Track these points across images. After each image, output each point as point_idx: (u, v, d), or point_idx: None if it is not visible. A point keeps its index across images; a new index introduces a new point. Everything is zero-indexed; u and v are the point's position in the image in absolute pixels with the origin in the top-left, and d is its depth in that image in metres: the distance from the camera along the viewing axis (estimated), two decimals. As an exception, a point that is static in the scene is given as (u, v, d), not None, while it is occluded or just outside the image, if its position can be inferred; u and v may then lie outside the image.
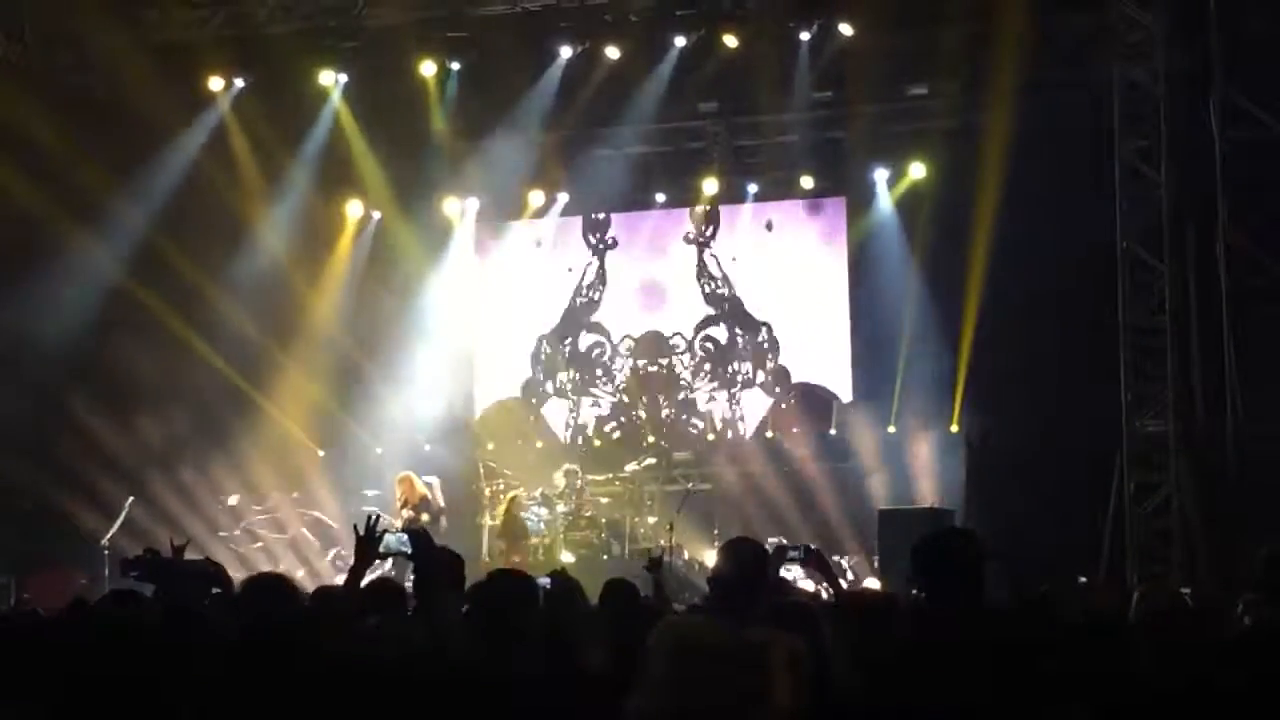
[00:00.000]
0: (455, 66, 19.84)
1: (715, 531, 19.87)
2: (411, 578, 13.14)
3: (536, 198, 22.02)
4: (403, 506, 18.24)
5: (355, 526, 6.42)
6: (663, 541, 18.17)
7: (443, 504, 18.78)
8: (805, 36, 19.06)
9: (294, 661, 5.14)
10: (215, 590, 6.76)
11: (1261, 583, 7.06)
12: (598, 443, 22.01)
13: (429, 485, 18.81)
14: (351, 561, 6.36)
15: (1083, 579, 14.24)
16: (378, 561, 6.81)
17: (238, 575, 7.78)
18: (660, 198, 21.90)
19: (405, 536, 6.34)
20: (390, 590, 7.35)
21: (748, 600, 5.79)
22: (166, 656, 5.38)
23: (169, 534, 17.59)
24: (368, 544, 6.32)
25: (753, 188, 21.50)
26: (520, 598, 5.56)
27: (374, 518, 6.45)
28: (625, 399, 22.14)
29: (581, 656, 5.80)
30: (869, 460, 20.10)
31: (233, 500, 19.88)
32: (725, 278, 21.97)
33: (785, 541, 7.93)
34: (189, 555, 7.83)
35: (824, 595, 8.71)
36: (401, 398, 21.58)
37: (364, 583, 6.62)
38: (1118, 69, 16.95)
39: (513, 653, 5.32)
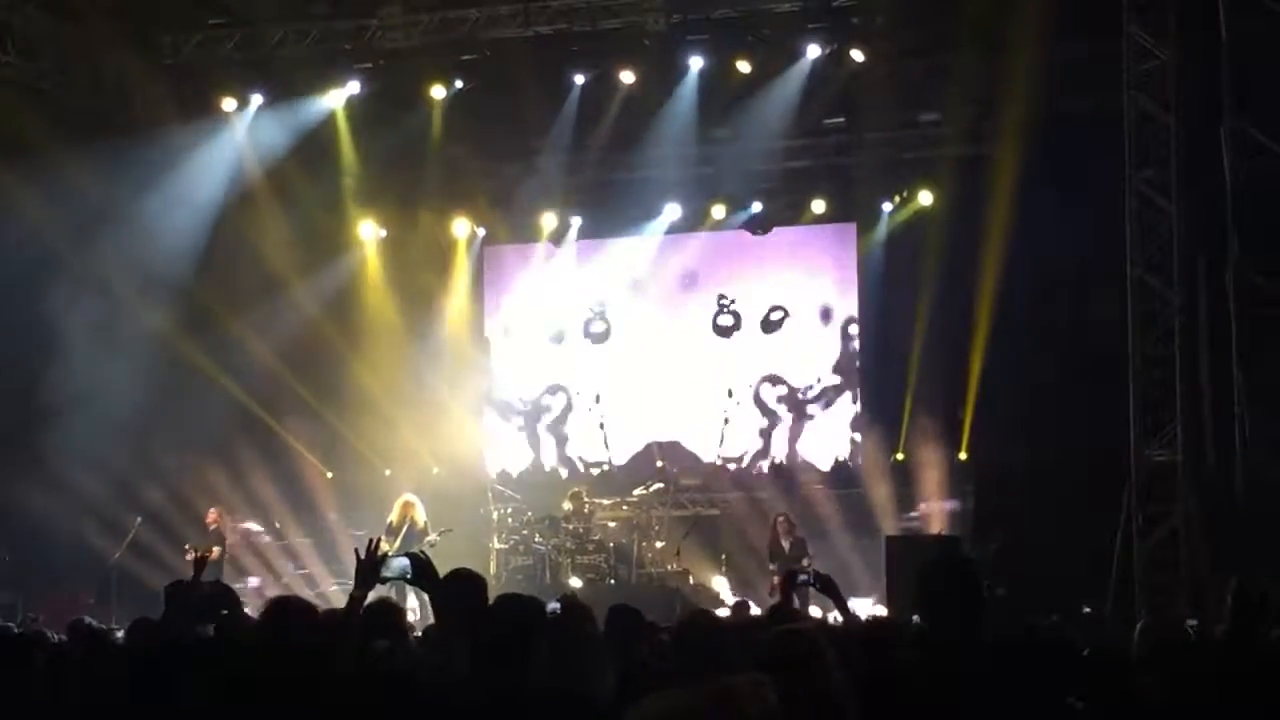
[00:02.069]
0: (467, 89, 19.90)
1: (722, 557, 19.89)
2: (406, 599, 13.19)
3: (548, 220, 22.06)
4: (400, 529, 18.01)
5: (356, 550, 6.42)
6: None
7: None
8: (817, 62, 19.10)
9: (316, 685, 5.15)
10: (224, 612, 6.78)
11: (1231, 612, 7.06)
12: (606, 466, 22.00)
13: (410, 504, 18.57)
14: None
15: (1087, 609, 14.21)
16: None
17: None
18: (671, 221, 21.90)
19: (408, 561, 6.30)
20: (392, 612, 7.35)
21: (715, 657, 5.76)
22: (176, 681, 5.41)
23: (179, 552, 17.80)
24: (368, 568, 6.31)
25: (762, 212, 21.51)
26: (528, 621, 5.56)
27: (374, 542, 6.44)
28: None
29: (588, 680, 5.80)
30: (876, 487, 20.11)
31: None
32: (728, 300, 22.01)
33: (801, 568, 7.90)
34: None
35: (832, 620, 8.70)
36: (411, 419, 21.59)
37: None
38: (1130, 98, 16.96)
39: (521, 676, 5.32)
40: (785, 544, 18.44)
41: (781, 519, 18.73)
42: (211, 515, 18.73)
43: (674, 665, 5.84)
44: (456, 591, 6.22)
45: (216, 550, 18.33)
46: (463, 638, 5.76)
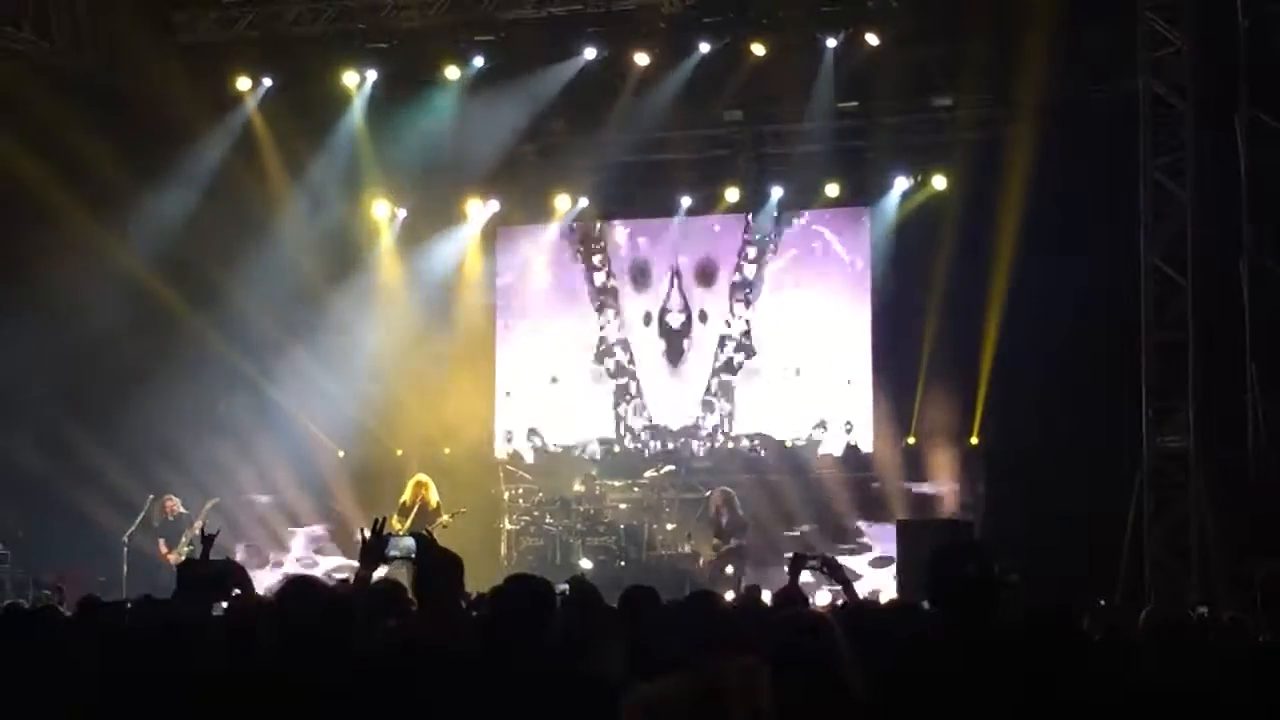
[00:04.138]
0: (482, 69, 19.91)
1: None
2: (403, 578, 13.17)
3: (561, 202, 22.04)
4: (412, 509, 18.02)
5: (361, 530, 6.45)
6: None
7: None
8: (831, 46, 19.10)
9: (327, 664, 5.17)
10: (236, 590, 6.79)
11: (1263, 602, 7.06)
12: (617, 449, 22.01)
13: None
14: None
15: (1102, 601, 14.18)
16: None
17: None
18: (684, 204, 21.88)
19: (412, 541, 6.35)
20: (397, 590, 7.39)
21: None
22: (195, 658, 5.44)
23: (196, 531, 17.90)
24: (374, 547, 6.32)
25: (776, 196, 21.48)
26: (538, 602, 5.58)
27: (381, 521, 6.47)
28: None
29: (598, 661, 5.82)
30: (888, 471, 20.12)
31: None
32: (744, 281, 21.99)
33: (806, 551, 7.94)
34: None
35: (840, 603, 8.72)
36: (423, 399, 21.61)
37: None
38: (1145, 84, 16.93)
39: (530, 657, 5.34)
40: (723, 519, 18.50)
41: (720, 495, 18.75)
42: (170, 504, 18.73)
43: (677, 646, 5.86)
44: (435, 570, 6.25)
45: (200, 526, 18.45)
46: (439, 614, 5.79)
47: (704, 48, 19.31)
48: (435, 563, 6.35)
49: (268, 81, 20.09)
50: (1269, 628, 6.75)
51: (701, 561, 18.49)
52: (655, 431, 21.95)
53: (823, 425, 21.28)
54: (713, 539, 18.58)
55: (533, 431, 22.35)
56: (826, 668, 5.18)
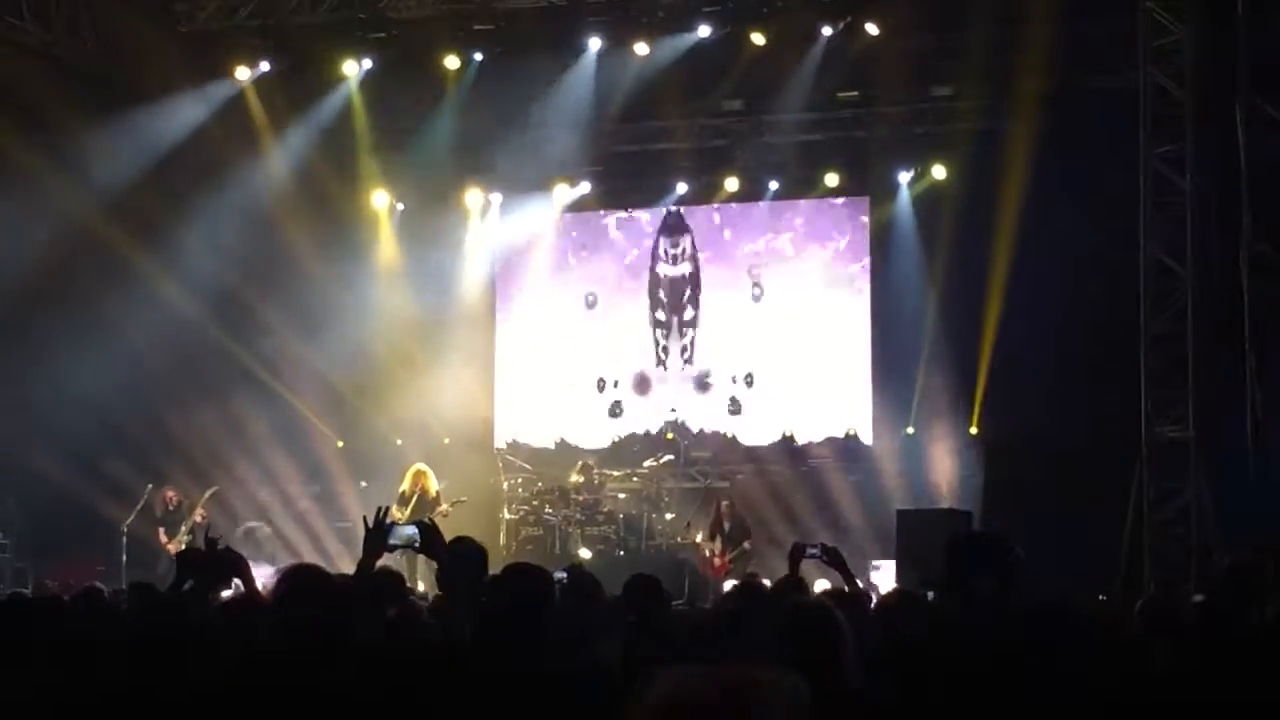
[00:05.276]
0: (481, 59, 19.89)
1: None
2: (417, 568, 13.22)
3: (561, 192, 22.02)
4: (411, 498, 18.02)
5: (365, 518, 6.44)
6: None
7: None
8: (831, 35, 19.08)
9: (328, 655, 5.17)
10: (235, 580, 6.78)
11: (1222, 588, 7.05)
12: (617, 437, 21.99)
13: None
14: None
15: (1102, 597, 14.18)
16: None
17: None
18: (683, 193, 21.86)
19: (415, 530, 6.32)
20: (395, 580, 7.38)
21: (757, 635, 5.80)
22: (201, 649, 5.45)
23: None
24: (376, 536, 6.32)
25: (775, 185, 21.47)
26: (536, 592, 5.58)
27: (383, 510, 6.46)
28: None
29: (597, 651, 5.83)
30: (887, 460, 20.12)
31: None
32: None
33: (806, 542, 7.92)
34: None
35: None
36: (422, 389, 21.60)
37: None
38: (1145, 74, 16.91)
39: (528, 645, 5.34)
40: (726, 525, 18.54)
41: (726, 503, 18.80)
42: (170, 494, 18.81)
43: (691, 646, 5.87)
44: (456, 561, 6.25)
45: (201, 514, 18.48)
46: (464, 607, 5.78)
47: (703, 37, 19.27)
48: (461, 554, 6.34)
49: (269, 71, 20.03)
50: (1225, 614, 6.75)
51: (717, 563, 18.42)
52: (657, 420, 21.92)
53: (822, 415, 21.28)
54: (718, 544, 18.50)
55: (529, 429, 22.35)
56: (828, 657, 5.19)
